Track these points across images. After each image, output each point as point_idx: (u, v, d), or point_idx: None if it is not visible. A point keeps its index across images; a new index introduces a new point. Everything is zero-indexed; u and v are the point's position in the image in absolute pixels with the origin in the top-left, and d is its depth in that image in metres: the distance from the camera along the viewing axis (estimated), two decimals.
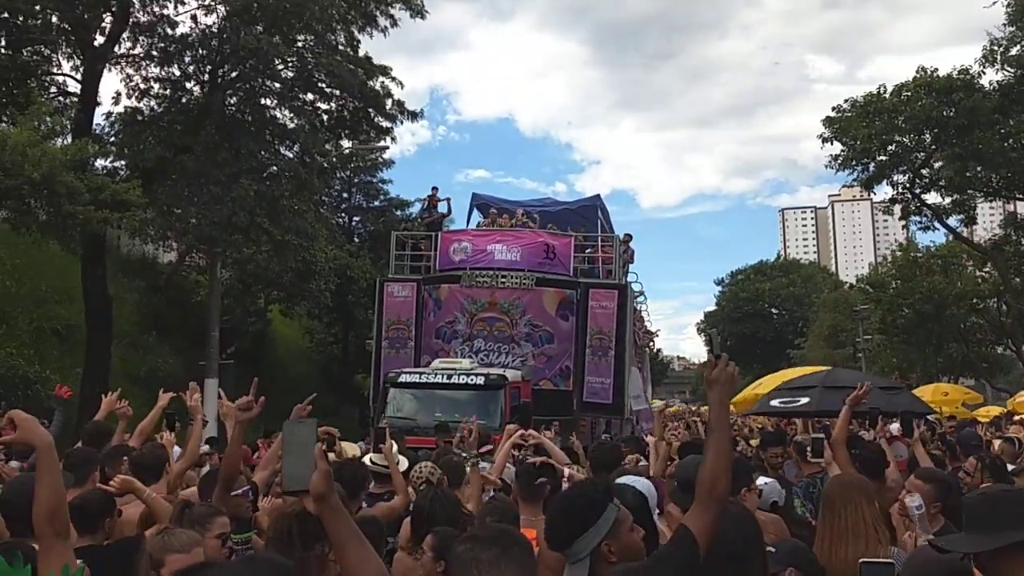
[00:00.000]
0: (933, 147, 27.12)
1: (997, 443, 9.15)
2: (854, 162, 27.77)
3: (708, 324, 75.30)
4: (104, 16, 18.19)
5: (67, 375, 17.77)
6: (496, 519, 3.78)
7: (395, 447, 5.98)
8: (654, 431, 8.59)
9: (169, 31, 18.94)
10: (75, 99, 18.92)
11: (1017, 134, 25.74)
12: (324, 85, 20.81)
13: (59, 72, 19.29)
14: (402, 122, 22.56)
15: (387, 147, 26.56)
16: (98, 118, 19.53)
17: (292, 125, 20.63)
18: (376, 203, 36.72)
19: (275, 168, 20.24)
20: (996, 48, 25.09)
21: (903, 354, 38.60)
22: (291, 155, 20.69)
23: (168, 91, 19.87)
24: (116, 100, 19.80)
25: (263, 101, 20.32)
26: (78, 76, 18.87)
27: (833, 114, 27.97)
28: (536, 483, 4.45)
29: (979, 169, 27.05)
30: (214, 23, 18.86)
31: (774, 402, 9.70)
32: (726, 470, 2.65)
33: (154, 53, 19.14)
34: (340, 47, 20.49)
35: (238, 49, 18.18)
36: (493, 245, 18.53)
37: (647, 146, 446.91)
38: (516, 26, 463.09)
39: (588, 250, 19.54)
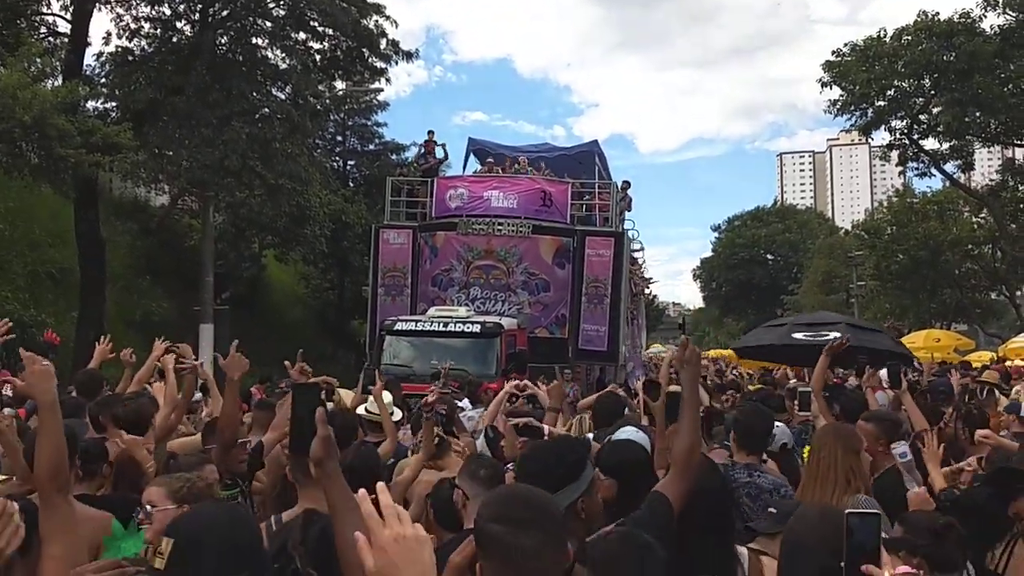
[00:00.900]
0: (932, 92, 26.86)
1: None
2: (853, 107, 27.56)
3: (704, 270, 75.39)
4: None
5: (62, 319, 17.81)
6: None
7: (389, 396, 6.01)
8: (661, 377, 8.69)
9: None
10: (65, 39, 18.56)
11: (1017, 79, 25.50)
12: (316, 24, 20.39)
13: (49, 12, 18.93)
14: (397, 62, 22.21)
15: (381, 89, 26.21)
16: (88, 59, 19.24)
17: (284, 66, 20.27)
18: (371, 147, 36.30)
19: (267, 110, 19.96)
20: None
21: (896, 300, 38.80)
22: (283, 97, 20.39)
23: (158, 31, 19.49)
24: (107, 40, 19.48)
25: (254, 41, 19.96)
26: (68, 16, 18.49)
27: (833, 58, 27.62)
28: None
29: (978, 114, 26.84)
30: None
31: (797, 335, 9.43)
32: (699, 442, 2.89)
33: None
34: None
35: None
36: (490, 192, 18.37)
37: (646, 89, 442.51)
38: None
39: (585, 197, 19.40)
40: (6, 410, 6.43)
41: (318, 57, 21.22)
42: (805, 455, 5.53)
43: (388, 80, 22.92)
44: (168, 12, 19.28)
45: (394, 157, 34.98)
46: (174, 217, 25.77)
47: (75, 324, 17.58)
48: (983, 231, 33.96)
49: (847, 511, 1.88)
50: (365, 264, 22.12)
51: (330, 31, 20.64)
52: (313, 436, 2.22)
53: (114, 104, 19.29)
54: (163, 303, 22.33)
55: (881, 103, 27.20)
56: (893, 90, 26.93)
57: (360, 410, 6.06)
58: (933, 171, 30.21)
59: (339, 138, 36.11)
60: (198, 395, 7.20)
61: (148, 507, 2.98)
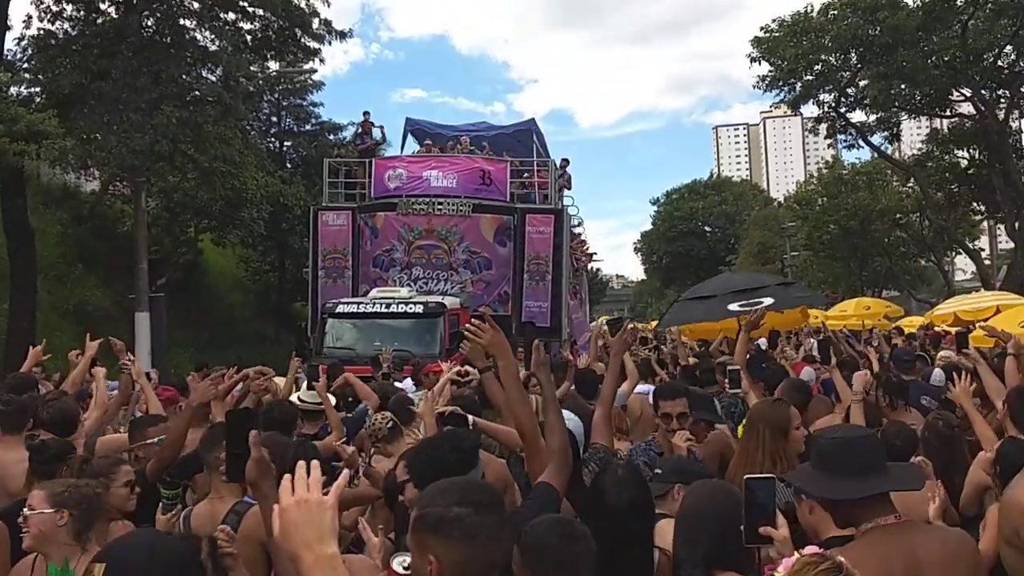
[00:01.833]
0: (858, 66, 27.54)
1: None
2: (781, 83, 28.10)
3: (644, 243, 76.31)
4: None
5: None
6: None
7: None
8: (590, 352, 8.90)
9: None
10: None
11: (940, 51, 26.27)
12: (246, 3, 19.96)
13: None
14: (330, 42, 21.87)
15: (315, 70, 25.83)
16: (9, 43, 18.49)
17: (214, 47, 19.83)
18: (308, 127, 35.76)
19: (198, 93, 19.51)
20: None
21: (829, 269, 39.98)
22: (214, 79, 19.94)
23: (82, 13, 18.86)
24: (27, 23, 18.79)
25: (182, 22, 19.44)
26: None
27: (761, 34, 28.09)
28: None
29: (903, 87, 27.62)
30: None
31: (733, 306, 9.73)
32: (565, 442, 3.06)
33: None
34: None
35: None
36: (428, 171, 18.39)
37: (584, 64, 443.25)
38: None
39: (525, 175, 19.53)
40: None
41: (249, 38, 20.77)
42: (740, 431, 5.79)
43: (322, 60, 22.59)
44: None
45: (332, 137, 34.53)
46: (106, 204, 25.08)
47: (6, 317, 17.09)
48: (910, 200, 35.07)
49: (746, 476, 2.00)
50: (305, 246, 21.93)
51: (260, 11, 20.24)
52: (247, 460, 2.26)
53: (38, 90, 18.66)
54: (97, 292, 21.82)
55: (809, 78, 27.80)
56: (820, 65, 27.53)
57: (293, 398, 6.02)
58: (861, 143, 31.08)
59: (274, 119, 35.47)
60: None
61: (26, 510, 2.94)
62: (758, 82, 28.48)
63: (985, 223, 37.71)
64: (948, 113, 30.26)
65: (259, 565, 2.81)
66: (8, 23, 17.84)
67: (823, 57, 27.36)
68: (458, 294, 16.62)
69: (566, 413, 4.07)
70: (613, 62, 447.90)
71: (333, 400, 5.98)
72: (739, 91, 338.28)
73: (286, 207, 28.92)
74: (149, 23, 19.06)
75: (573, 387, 6.33)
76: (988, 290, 24.07)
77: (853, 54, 27.05)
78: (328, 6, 21.21)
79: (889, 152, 34.03)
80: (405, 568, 2.40)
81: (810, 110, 31.15)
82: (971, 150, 30.13)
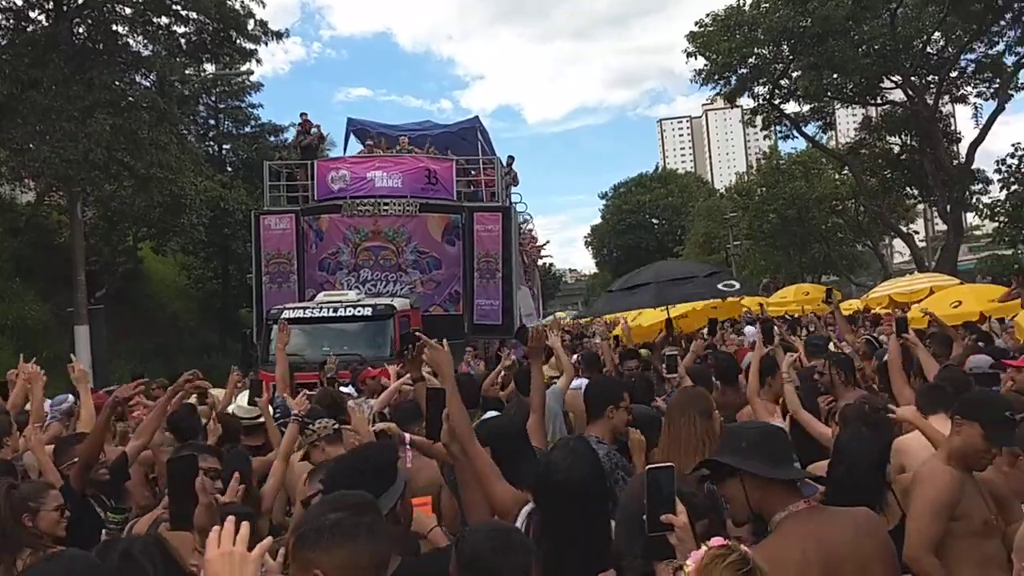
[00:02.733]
0: (791, 58, 28.14)
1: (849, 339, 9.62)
2: (717, 76, 28.57)
3: (594, 237, 76.92)
4: None
5: None
6: None
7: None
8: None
9: None
10: None
11: (869, 41, 26.95)
12: (179, 7, 19.62)
13: None
14: (267, 43, 21.63)
15: (251, 71, 25.46)
16: None
17: (147, 52, 19.46)
18: (247, 129, 35.23)
19: (131, 99, 19.12)
20: None
21: (770, 257, 40.84)
22: (148, 84, 19.57)
23: (11, 21, 18.33)
24: None
25: (114, 28, 19.03)
26: None
27: (696, 29, 28.51)
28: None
29: (835, 76, 28.30)
30: None
31: (665, 293, 10.07)
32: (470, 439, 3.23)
33: None
34: None
35: None
36: (373, 172, 18.25)
37: (529, 60, 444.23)
38: None
39: (471, 173, 19.52)
40: None
41: (183, 41, 20.45)
42: None
43: (259, 61, 22.36)
44: (20, 2, 18.17)
45: (273, 139, 34.09)
46: (42, 215, 24.40)
47: None
48: (845, 187, 36.01)
49: (648, 466, 2.04)
50: (249, 251, 21.59)
51: (193, 14, 19.92)
52: (195, 507, 2.26)
53: None
54: (36, 306, 21.20)
55: (743, 71, 28.33)
56: (754, 57, 28.07)
57: (231, 408, 5.81)
58: (796, 133, 31.78)
59: (212, 122, 34.87)
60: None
61: None
62: (695, 76, 28.95)
63: (919, 207, 38.92)
64: (879, 101, 31.12)
65: None
66: None
67: (756, 50, 27.89)
68: (408, 295, 16.55)
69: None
70: (558, 57, 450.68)
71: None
72: (682, 84, 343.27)
73: (227, 212, 28.46)
74: (80, 30, 18.67)
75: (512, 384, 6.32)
76: (922, 272, 24.89)
77: (785, 46, 27.63)
78: (263, 7, 21.00)
79: (826, 140, 34.89)
80: None
81: (746, 102, 31.82)
82: (903, 136, 31.03)
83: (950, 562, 3.16)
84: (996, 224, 27.01)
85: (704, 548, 1.92)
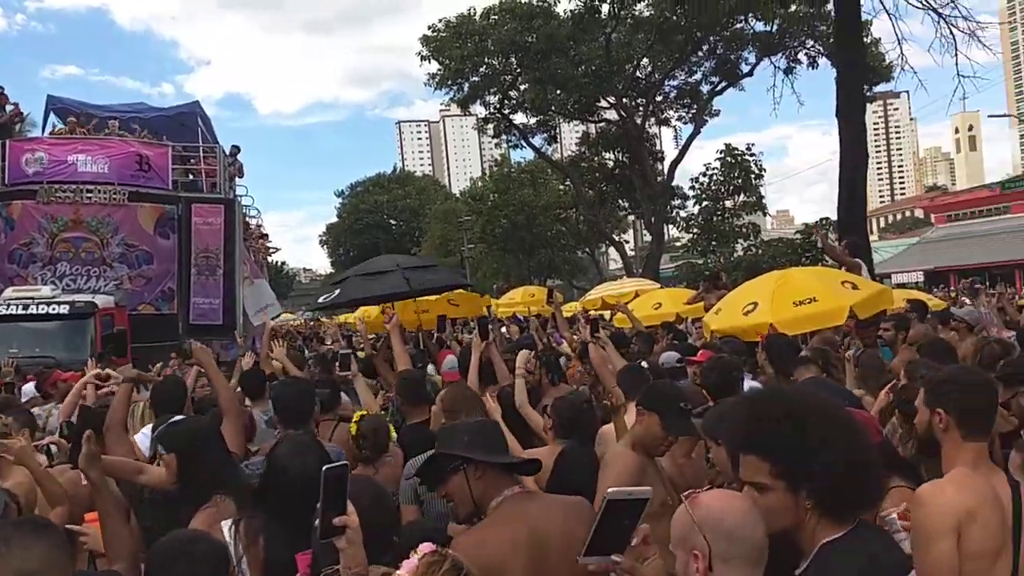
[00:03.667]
0: (519, 70, 29.67)
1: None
2: (450, 82, 29.41)
3: (330, 236, 75.57)
4: None
5: None
6: None
7: None
8: (262, 349, 8.57)
9: None
10: None
11: (587, 61, 29.11)
12: None
13: None
14: None
15: None
16: None
17: None
18: None
19: None
20: None
21: (501, 260, 42.70)
22: None
23: None
24: None
25: None
26: None
27: (430, 33, 29.12)
28: None
29: (558, 92, 30.24)
30: None
31: (320, 299, 10.73)
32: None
33: None
34: None
35: None
36: (75, 155, 16.52)
37: (262, 49, 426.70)
38: None
39: (190, 162, 18.30)
40: None
41: None
42: None
43: None
44: None
45: None
46: None
47: None
48: (567, 197, 38.58)
49: (324, 467, 2.01)
50: None
51: None
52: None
53: None
54: None
55: (475, 79, 29.40)
56: (485, 67, 29.25)
57: None
58: (524, 143, 33.55)
59: None
60: None
61: None
62: (429, 80, 29.54)
63: (630, 218, 42.65)
64: (597, 118, 33.73)
65: None
66: None
67: (487, 60, 29.07)
68: (113, 292, 15.17)
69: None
70: (293, 49, 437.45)
71: None
72: (421, 88, 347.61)
73: None
74: None
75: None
76: (631, 278, 27.31)
77: (513, 59, 29.05)
78: None
79: (552, 152, 37.16)
80: None
81: (480, 110, 33.03)
82: (616, 153, 33.89)
83: None
84: (691, 235, 30.31)
85: (415, 556, 1.90)
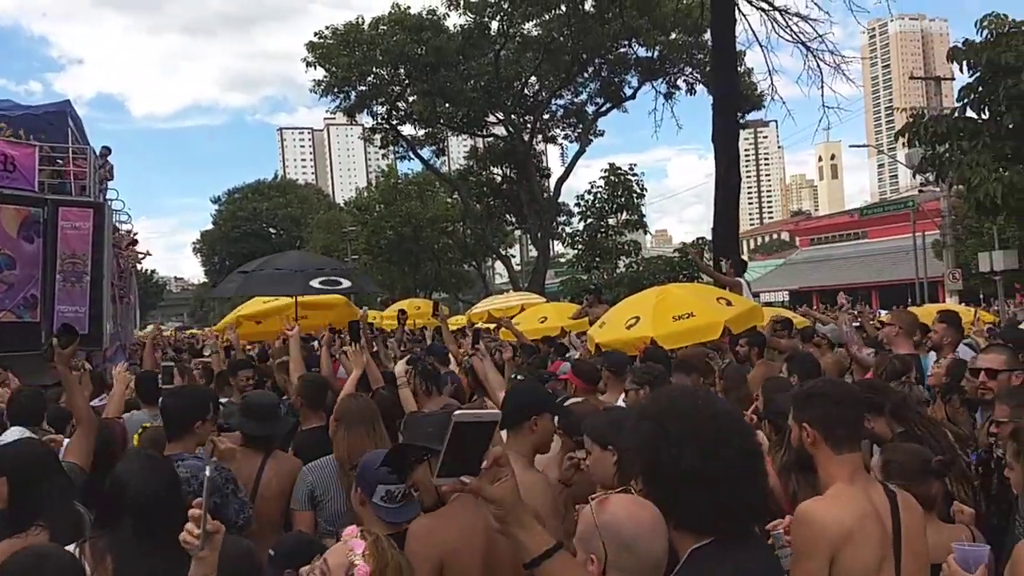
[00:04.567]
0: (407, 82, 29.67)
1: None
2: (336, 89, 29.10)
3: (205, 244, 72.87)
4: None
5: None
6: None
7: None
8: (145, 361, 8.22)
9: None
10: None
11: (477, 76, 29.43)
12: None
13: None
14: None
15: None
16: None
17: None
18: None
19: None
20: None
21: (387, 272, 42.31)
22: None
23: None
24: None
25: None
26: None
27: (316, 40, 28.75)
28: None
29: (447, 105, 30.40)
30: None
31: (314, 283, 10.45)
32: None
33: None
34: None
35: None
36: None
37: (137, 49, 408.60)
38: None
39: (58, 163, 17.33)
40: None
41: None
42: None
43: None
44: None
45: None
46: None
47: None
48: (455, 210, 38.72)
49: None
50: None
51: None
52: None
53: None
54: None
55: (363, 88, 29.20)
56: (373, 76, 29.07)
57: None
58: (412, 155, 33.51)
59: None
60: None
61: None
62: (314, 87, 29.12)
63: (516, 233, 43.21)
64: (485, 133, 34.09)
65: None
66: None
67: (375, 70, 28.90)
68: None
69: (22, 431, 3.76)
70: (170, 51, 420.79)
71: None
72: (305, 95, 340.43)
73: None
74: None
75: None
76: (517, 292, 27.67)
77: (402, 69, 29.01)
78: None
79: (439, 165, 37.25)
80: None
81: (367, 120, 32.77)
82: (504, 168, 34.30)
83: None
84: (575, 251, 30.96)
85: (357, 537, 1.91)
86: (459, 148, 49.73)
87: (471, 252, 40.41)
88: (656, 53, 31.02)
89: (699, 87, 31.23)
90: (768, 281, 52.81)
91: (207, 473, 1.87)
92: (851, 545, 2.36)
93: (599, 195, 29.16)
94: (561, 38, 29.14)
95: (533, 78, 32.02)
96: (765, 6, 19.60)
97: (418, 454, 2.73)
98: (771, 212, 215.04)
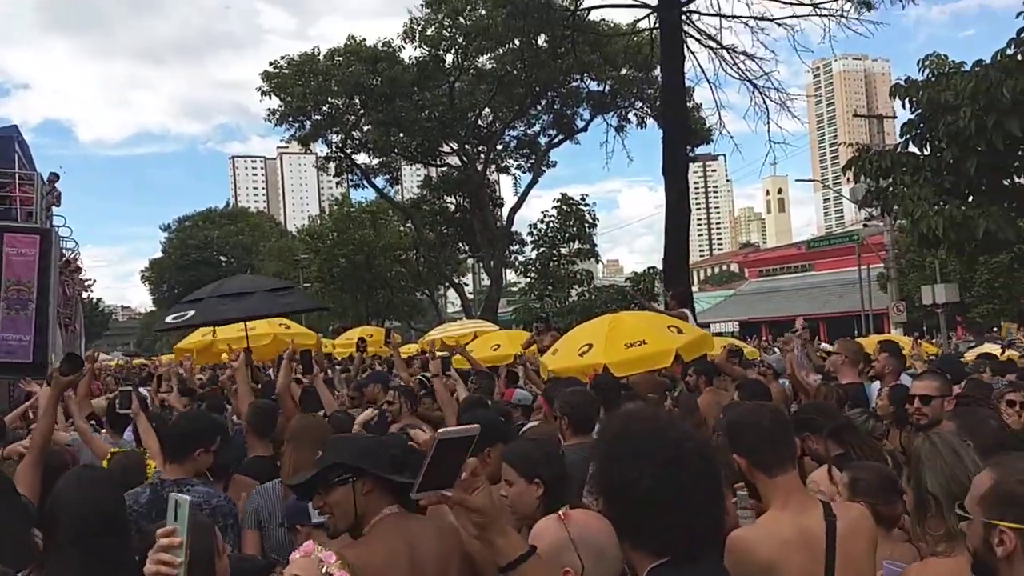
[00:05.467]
0: (362, 112, 29.85)
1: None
2: (291, 119, 29.15)
3: (153, 272, 71.57)
4: None
5: None
6: None
7: None
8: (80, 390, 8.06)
9: None
10: None
11: (432, 106, 29.73)
12: None
13: None
14: None
15: None
16: None
17: None
18: None
19: None
20: (415, 26, 28.56)
21: (339, 300, 42.01)
22: None
23: None
24: None
25: None
26: None
27: (271, 69, 28.82)
28: None
29: (401, 135, 30.62)
30: None
31: (169, 318, 10.14)
32: None
33: None
34: None
35: None
36: None
37: (85, 75, 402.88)
38: None
39: (5, 188, 16.99)
40: None
41: None
42: None
43: None
44: None
45: None
46: None
47: None
48: (408, 239, 38.75)
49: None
50: None
51: None
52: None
53: None
54: None
55: (317, 117, 29.28)
56: (328, 106, 29.20)
57: None
58: (366, 183, 33.56)
59: None
60: None
61: None
62: (269, 115, 29.11)
63: (469, 261, 43.34)
64: (439, 162, 34.33)
65: None
66: None
67: (330, 99, 29.05)
68: None
69: None
70: (119, 77, 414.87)
71: None
72: (258, 124, 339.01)
73: None
74: None
75: None
76: (470, 319, 27.71)
77: (357, 99, 29.19)
78: None
79: (393, 193, 37.32)
80: None
81: (321, 148, 32.80)
82: (457, 197, 34.52)
83: None
84: (528, 280, 31.21)
85: (326, 552, 1.93)
86: (413, 177, 49.82)
87: (424, 280, 40.41)
88: (607, 87, 31.64)
89: (649, 121, 31.90)
90: (718, 312, 53.69)
91: (188, 498, 1.78)
92: (774, 574, 2.37)
93: (551, 224, 29.50)
94: (515, 71, 29.58)
95: (487, 109, 32.40)
96: (713, 44, 20.21)
97: (343, 475, 2.59)
98: (720, 243, 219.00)
